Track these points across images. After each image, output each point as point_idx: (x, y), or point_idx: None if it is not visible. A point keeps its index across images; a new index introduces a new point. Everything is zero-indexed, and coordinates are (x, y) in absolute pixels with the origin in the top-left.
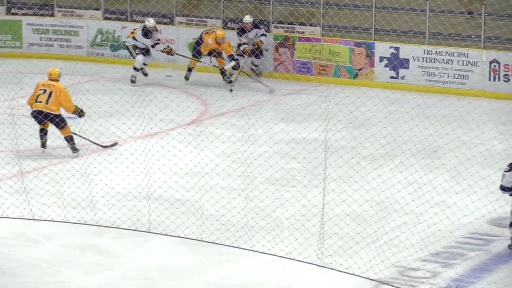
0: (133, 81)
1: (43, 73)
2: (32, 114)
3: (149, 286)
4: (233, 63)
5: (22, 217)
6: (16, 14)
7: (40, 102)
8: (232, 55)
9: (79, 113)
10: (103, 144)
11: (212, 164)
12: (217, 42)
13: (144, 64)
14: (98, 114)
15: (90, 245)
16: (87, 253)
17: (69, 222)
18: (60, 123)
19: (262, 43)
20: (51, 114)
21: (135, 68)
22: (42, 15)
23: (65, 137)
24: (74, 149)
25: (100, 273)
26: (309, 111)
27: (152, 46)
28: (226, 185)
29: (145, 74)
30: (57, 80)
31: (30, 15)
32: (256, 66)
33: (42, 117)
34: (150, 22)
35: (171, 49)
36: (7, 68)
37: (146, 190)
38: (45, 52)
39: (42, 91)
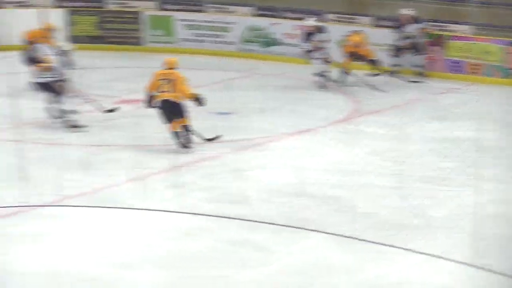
0: (321, 86)
1: (195, 68)
2: (159, 104)
3: (305, 282)
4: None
5: (179, 211)
6: (167, 9)
7: (165, 91)
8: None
9: (200, 100)
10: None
11: (364, 162)
12: (356, 46)
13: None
14: (250, 109)
15: (245, 240)
16: (243, 248)
17: (224, 217)
18: (185, 111)
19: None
20: (178, 102)
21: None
22: (193, 11)
23: (184, 126)
24: (188, 141)
25: (256, 267)
26: (462, 109)
27: (309, 51)
28: (379, 183)
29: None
30: (174, 69)
31: (182, 10)
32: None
33: (170, 107)
34: (308, 22)
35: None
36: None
37: (299, 186)
38: (197, 48)
39: (165, 81)
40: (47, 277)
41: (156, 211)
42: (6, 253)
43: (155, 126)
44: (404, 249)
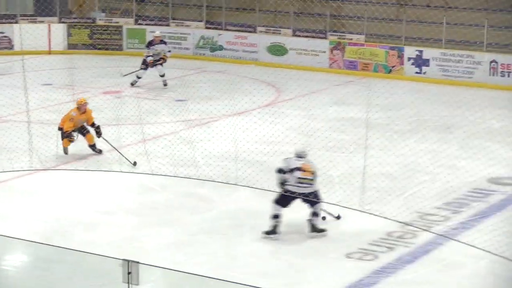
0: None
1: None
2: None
3: (237, 223)
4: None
5: (144, 172)
6: (141, 24)
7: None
8: None
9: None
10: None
11: (283, 135)
12: None
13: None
14: (200, 97)
15: (193, 193)
16: (192, 198)
17: (178, 177)
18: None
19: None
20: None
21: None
22: (160, 25)
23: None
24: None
25: (202, 213)
26: (355, 97)
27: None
28: (293, 150)
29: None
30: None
31: (153, 25)
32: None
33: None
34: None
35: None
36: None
37: (235, 153)
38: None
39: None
40: (52, 222)
41: (127, 173)
42: (17, 202)
43: (129, 110)
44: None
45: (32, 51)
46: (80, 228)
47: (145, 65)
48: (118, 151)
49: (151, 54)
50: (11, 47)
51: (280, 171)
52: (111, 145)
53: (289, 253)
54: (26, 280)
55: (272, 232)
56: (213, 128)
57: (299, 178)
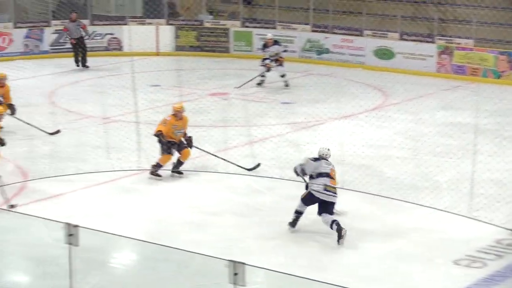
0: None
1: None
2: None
3: (344, 225)
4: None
5: (250, 174)
6: (248, 26)
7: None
8: None
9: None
10: None
11: (390, 140)
12: None
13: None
14: (306, 100)
15: (299, 196)
16: (296, 201)
17: (284, 179)
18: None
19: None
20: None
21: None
22: (267, 27)
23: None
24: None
25: (305, 216)
26: (463, 102)
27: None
28: (400, 155)
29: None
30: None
31: (259, 27)
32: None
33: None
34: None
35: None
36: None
37: (341, 157)
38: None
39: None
40: (159, 221)
41: (234, 174)
42: (125, 201)
43: (235, 111)
44: (416, 204)
45: (141, 52)
46: (186, 228)
47: (264, 65)
48: (216, 156)
49: (267, 57)
50: (121, 48)
51: (303, 172)
52: (205, 151)
53: (393, 257)
54: (134, 278)
55: (291, 224)
56: (319, 131)
57: (328, 186)
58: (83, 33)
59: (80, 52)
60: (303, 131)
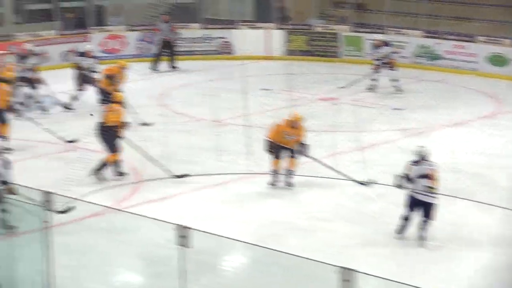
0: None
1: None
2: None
3: (453, 234)
4: None
5: (361, 181)
6: (358, 31)
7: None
8: None
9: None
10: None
11: (503, 148)
12: None
13: None
14: (417, 106)
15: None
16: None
17: (393, 186)
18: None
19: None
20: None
21: None
22: (378, 33)
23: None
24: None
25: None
26: None
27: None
28: None
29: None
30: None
31: (369, 32)
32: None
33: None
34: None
35: None
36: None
37: (453, 164)
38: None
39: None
40: (267, 225)
41: (344, 180)
42: (233, 204)
43: (345, 116)
44: None
45: (251, 56)
46: (295, 233)
47: (373, 68)
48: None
49: (376, 58)
50: (231, 52)
51: (408, 181)
52: (317, 160)
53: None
54: (243, 281)
55: (399, 231)
56: (430, 138)
57: (427, 187)
58: (172, 35)
59: (168, 53)
60: (414, 138)
